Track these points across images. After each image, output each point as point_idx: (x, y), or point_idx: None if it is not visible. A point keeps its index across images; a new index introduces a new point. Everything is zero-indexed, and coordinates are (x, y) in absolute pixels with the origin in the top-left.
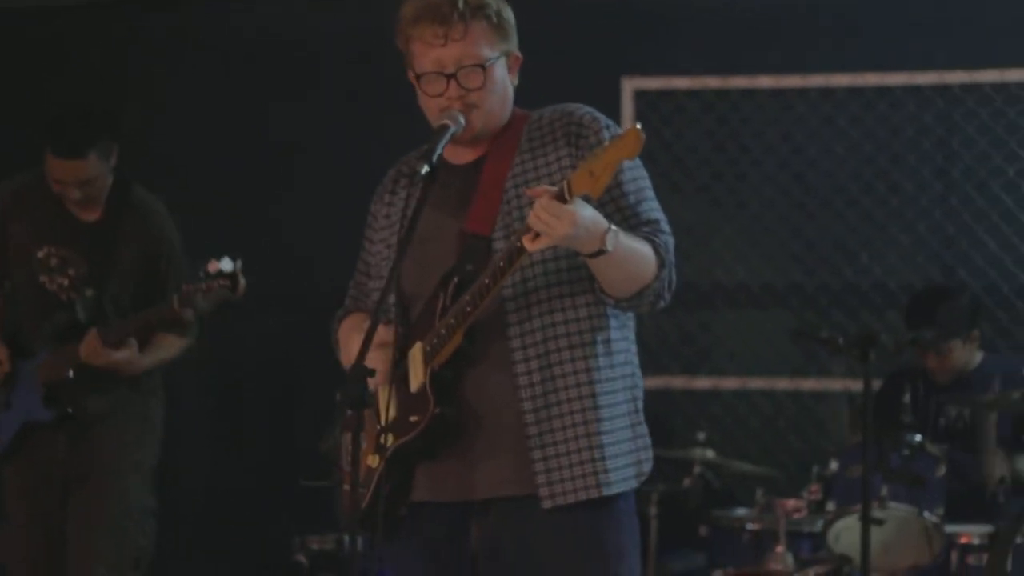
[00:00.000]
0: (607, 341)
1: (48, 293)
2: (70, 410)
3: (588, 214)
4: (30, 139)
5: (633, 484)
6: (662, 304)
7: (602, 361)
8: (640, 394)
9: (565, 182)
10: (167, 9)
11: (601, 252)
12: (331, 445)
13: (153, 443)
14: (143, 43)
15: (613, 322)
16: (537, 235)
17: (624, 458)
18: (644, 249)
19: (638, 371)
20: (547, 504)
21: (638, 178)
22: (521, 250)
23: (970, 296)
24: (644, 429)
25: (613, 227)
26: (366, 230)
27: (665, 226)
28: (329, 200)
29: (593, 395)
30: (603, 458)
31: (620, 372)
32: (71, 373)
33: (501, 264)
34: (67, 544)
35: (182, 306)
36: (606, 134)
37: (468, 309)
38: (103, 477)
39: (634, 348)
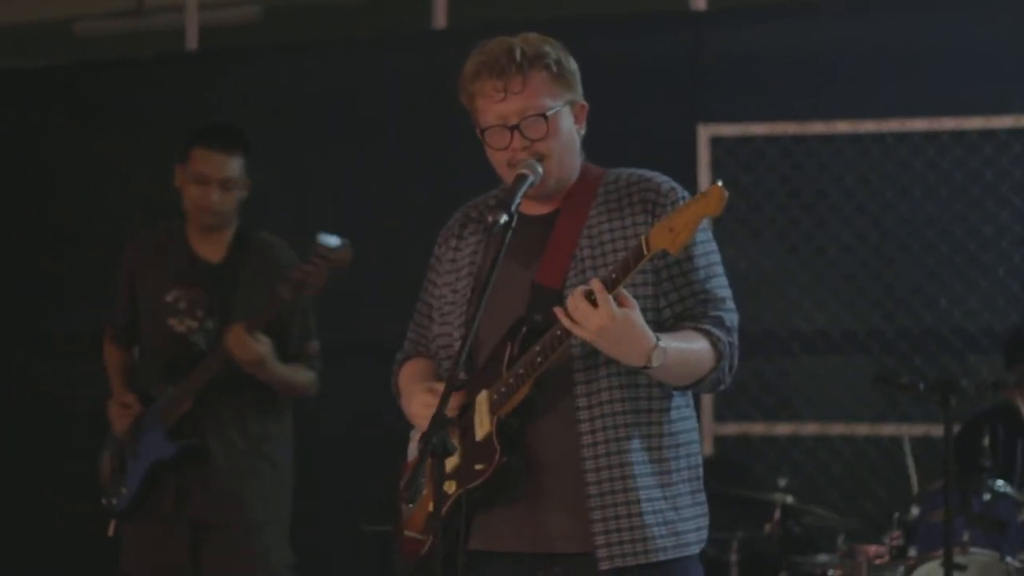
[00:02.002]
0: (669, 409)
1: (177, 335)
2: (195, 441)
3: (637, 322)
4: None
5: (694, 550)
6: (722, 388)
7: (665, 428)
8: (700, 461)
9: (643, 238)
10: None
11: (647, 367)
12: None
13: (288, 493)
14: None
15: (675, 390)
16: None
17: (685, 524)
18: (698, 351)
19: (697, 437)
20: (604, 565)
21: (709, 252)
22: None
23: None
24: (703, 496)
25: (661, 343)
26: (429, 272)
27: (731, 303)
28: (393, 245)
29: (654, 461)
30: (663, 523)
31: (684, 439)
32: (190, 405)
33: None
34: None
35: (291, 292)
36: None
37: (539, 360)
38: (243, 532)
39: (695, 416)
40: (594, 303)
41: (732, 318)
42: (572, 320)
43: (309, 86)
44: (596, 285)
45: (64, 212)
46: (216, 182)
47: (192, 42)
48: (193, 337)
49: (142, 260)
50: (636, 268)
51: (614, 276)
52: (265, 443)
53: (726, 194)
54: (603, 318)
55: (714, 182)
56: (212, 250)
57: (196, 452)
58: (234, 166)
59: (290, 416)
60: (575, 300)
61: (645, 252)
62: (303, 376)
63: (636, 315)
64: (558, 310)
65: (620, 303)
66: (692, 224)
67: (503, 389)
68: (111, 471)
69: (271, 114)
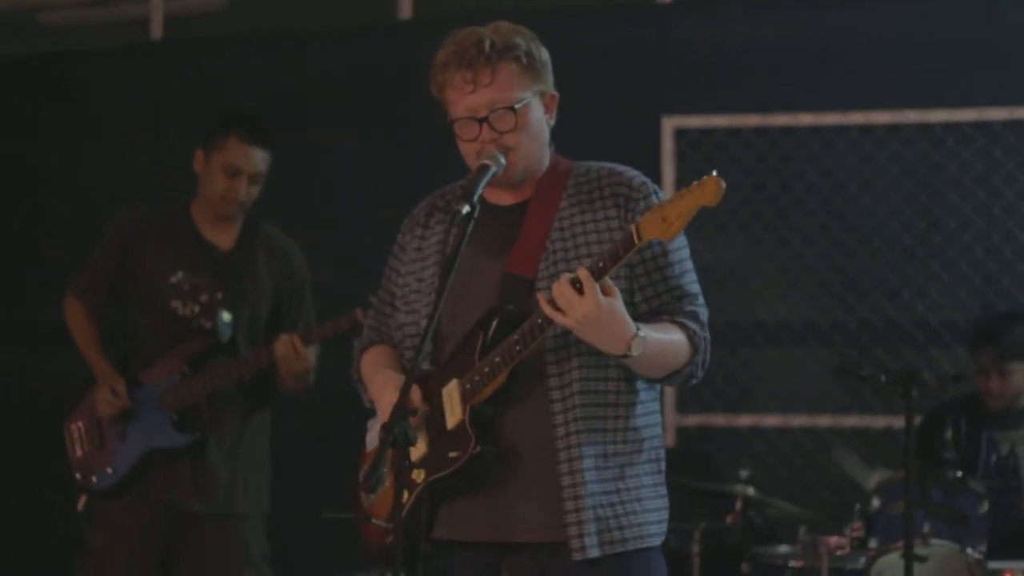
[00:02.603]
0: (634, 403)
1: (179, 319)
2: (203, 435)
3: (620, 312)
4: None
5: (656, 542)
6: (693, 382)
7: (631, 422)
8: (663, 454)
9: (633, 227)
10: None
11: (625, 356)
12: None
13: (266, 490)
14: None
15: (640, 382)
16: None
17: (647, 515)
18: (675, 343)
19: (660, 431)
20: (577, 556)
21: (682, 248)
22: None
23: None
24: (664, 489)
25: (641, 333)
26: (392, 260)
27: (702, 299)
28: (359, 235)
29: (620, 453)
30: (628, 514)
31: (649, 433)
32: (205, 398)
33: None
34: None
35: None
36: (655, 199)
37: (517, 348)
38: (225, 525)
39: (659, 409)
40: (580, 291)
41: (704, 313)
42: (555, 308)
43: (273, 76)
44: (583, 273)
45: (25, 204)
46: (248, 175)
47: (157, 31)
48: (195, 322)
49: (143, 236)
50: (626, 257)
51: (601, 265)
52: (251, 437)
53: (723, 184)
54: (588, 306)
55: (711, 173)
56: (222, 237)
57: (202, 445)
58: (265, 160)
59: (269, 409)
60: (561, 287)
61: (636, 241)
62: (312, 375)
63: (619, 304)
64: (541, 297)
65: (605, 292)
66: (687, 214)
67: (477, 378)
68: (87, 447)
69: (235, 104)
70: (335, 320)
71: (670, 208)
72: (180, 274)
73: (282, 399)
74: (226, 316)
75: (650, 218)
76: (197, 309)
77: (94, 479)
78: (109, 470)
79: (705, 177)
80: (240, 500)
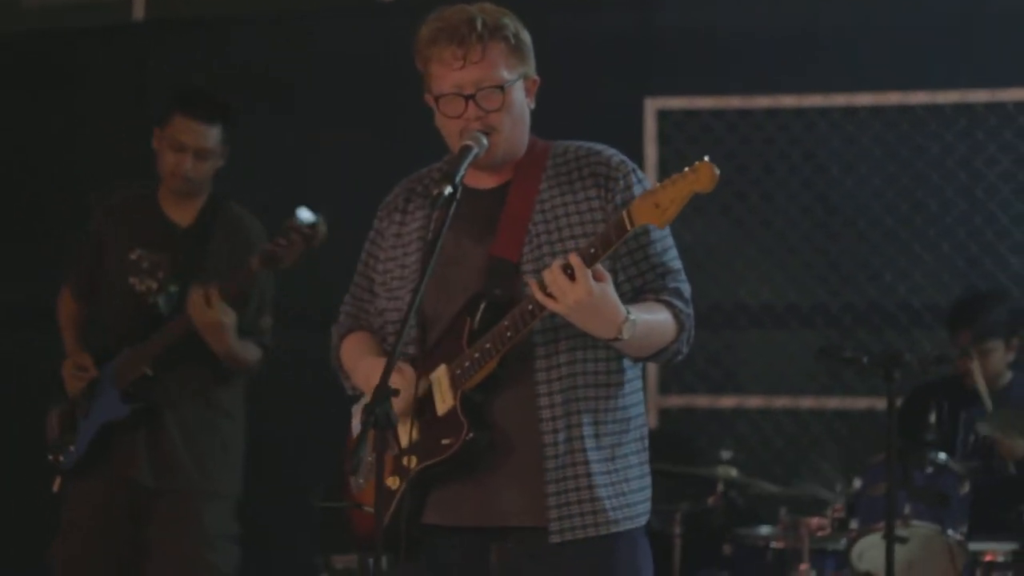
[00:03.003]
0: (622, 383)
1: (136, 295)
2: (146, 405)
3: (611, 297)
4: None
5: (642, 522)
6: (679, 358)
7: (618, 402)
8: (646, 432)
9: (624, 213)
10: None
11: (616, 339)
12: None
13: (233, 470)
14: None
15: (627, 362)
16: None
17: (634, 495)
18: (663, 322)
19: (644, 409)
20: (555, 539)
21: None
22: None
23: (1014, 301)
24: (648, 468)
25: (631, 316)
26: (369, 245)
27: (683, 275)
28: (336, 218)
29: (608, 434)
30: (616, 495)
31: (635, 412)
32: (149, 370)
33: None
34: (143, 570)
35: (262, 265)
36: (634, 178)
37: (508, 335)
38: (181, 504)
39: (642, 384)
40: (571, 277)
41: (687, 289)
42: (547, 294)
43: (254, 58)
44: (575, 260)
45: (11, 184)
46: (192, 151)
47: (139, 12)
48: (151, 298)
49: (111, 217)
50: (619, 243)
51: (592, 251)
52: (216, 416)
53: (717, 171)
54: (580, 292)
55: (703, 159)
56: (182, 214)
57: (149, 417)
58: (212, 136)
59: (241, 390)
60: (552, 274)
61: (628, 227)
62: (251, 353)
63: (611, 289)
64: (532, 283)
65: (596, 277)
66: (680, 200)
67: (467, 364)
68: (59, 428)
69: (216, 85)
70: (239, 272)
71: (662, 194)
72: (139, 251)
73: (270, 383)
74: (171, 288)
75: (642, 203)
76: (154, 286)
77: (61, 459)
78: (72, 448)
79: (698, 163)
80: (199, 478)
